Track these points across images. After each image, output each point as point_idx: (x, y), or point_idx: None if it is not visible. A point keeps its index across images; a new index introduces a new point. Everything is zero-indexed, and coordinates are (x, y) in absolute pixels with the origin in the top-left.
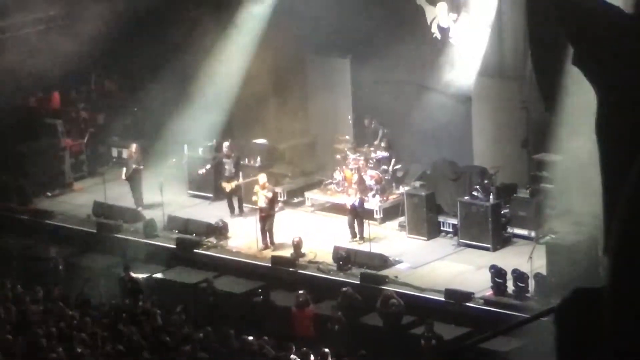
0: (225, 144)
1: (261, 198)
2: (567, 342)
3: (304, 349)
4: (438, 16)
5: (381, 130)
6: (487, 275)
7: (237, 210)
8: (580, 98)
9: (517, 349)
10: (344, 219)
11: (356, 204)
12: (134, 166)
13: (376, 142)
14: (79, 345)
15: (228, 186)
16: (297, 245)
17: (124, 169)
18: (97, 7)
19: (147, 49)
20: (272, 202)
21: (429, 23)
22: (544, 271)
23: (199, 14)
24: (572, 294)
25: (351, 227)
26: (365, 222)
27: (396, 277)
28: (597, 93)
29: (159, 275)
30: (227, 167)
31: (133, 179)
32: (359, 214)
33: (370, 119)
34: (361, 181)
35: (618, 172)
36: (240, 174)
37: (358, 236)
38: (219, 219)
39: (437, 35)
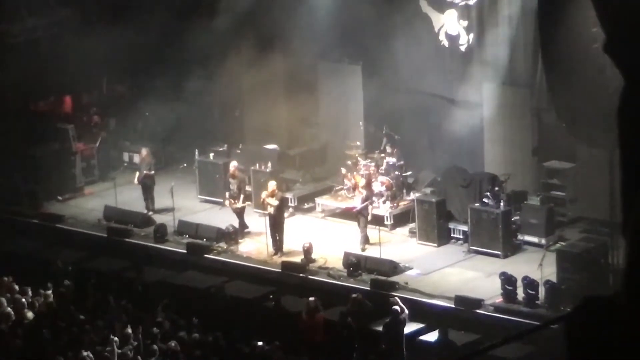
0: (233, 164)
1: (269, 206)
2: (578, 351)
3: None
4: (446, 24)
5: (385, 138)
6: (497, 282)
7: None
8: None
9: (527, 356)
10: (355, 225)
11: (357, 206)
12: (145, 171)
13: (381, 148)
14: (89, 349)
15: (231, 205)
16: (307, 251)
17: (137, 174)
18: (108, 11)
19: (158, 53)
20: (281, 208)
21: (436, 31)
22: (554, 278)
23: (213, 22)
24: (583, 302)
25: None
26: (375, 228)
27: (406, 283)
28: (626, 80)
29: (169, 280)
30: (230, 187)
31: (145, 184)
32: (361, 216)
33: (379, 127)
34: (369, 186)
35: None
36: (242, 197)
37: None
38: (229, 224)
39: (445, 42)
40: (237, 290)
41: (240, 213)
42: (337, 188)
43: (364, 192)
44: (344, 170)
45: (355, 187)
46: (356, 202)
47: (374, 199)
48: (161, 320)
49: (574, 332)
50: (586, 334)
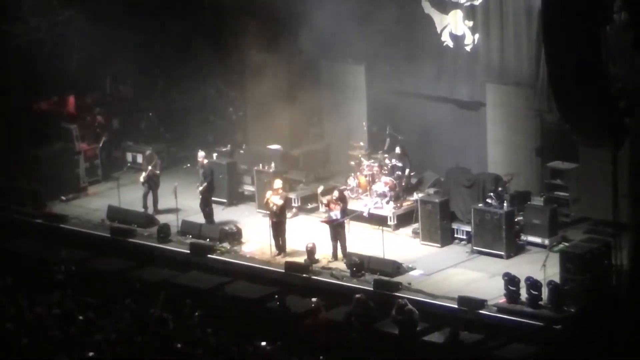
0: (200, 154)
1: (271, 203)
2: (583, 349)
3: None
4: (451, 24)
5: (388, 138)
6: (500, 283)
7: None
8: None
9: (530, 356)
10: (358, 226)
11: (337, 217)
12: (149, 168)
13: (385, 148)
14: (92, 350)
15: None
16: (310, 251)
17: (143, 174)
18: (111, 10)
19: (162, 53)
20: (283, 208)
21: (438, 32)
22: (557, 279)
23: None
24: (589, 303)
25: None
26: (379, 228)
27: (409, 283)
28: None
29: (172, 280)
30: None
31: (149, 184)
32: (338, 229)
33: (382, 127)
34: (342, 198)
35: None
36: (202, 183)
37: (332, 254)
38: (232, 224)
39: (449, 43)
40: (240, 291)
41: (203, 199)
42: (340, 188)
43: (342, 205)
44: (319, 189)
45: (329, 204)
46: (336, 215)
47: (374, 200)
48: (165, 318)
49: (579, 332)
50: (591, 335)
